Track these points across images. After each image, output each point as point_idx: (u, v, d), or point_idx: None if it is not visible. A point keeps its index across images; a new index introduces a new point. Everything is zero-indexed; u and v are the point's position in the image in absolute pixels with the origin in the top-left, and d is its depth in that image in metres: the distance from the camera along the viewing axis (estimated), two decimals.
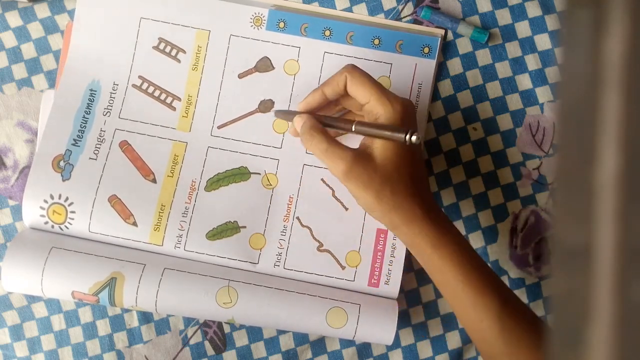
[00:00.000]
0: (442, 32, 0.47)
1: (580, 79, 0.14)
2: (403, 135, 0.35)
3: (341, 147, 0.38)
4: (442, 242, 0.38)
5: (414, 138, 0.35)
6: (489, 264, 0.46)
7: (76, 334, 0.46)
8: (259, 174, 0.46)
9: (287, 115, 0.44)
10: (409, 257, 0.46)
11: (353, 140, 0.43)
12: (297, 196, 0.46)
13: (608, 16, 0.13)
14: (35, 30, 0.47)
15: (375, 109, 0.38)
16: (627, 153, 0.13)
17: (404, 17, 0.47)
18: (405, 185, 0.38)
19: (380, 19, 0.47)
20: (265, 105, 0.46)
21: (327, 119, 0.41)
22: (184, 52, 0.46)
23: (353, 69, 0.39)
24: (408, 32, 0.46)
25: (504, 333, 0.37)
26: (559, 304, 0.15)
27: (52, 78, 0.47)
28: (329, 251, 0.45)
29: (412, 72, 0.46)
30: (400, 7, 0.47)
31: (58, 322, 0.46)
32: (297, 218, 0.45)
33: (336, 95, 0.40)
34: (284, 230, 0.45)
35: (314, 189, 0.46)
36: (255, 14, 0.46)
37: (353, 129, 0.38)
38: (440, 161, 0.47)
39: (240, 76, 0.46)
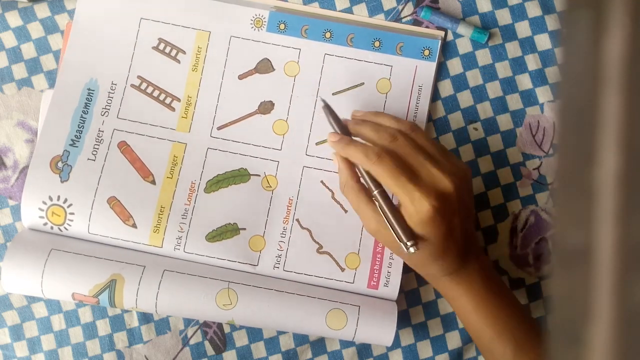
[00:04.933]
0: (442, 33, 0.47)
1: (580, 79, 0.14)
2: (404, 244, 0.37)
3: (371, 206, 0.39)
4: (460, 303, 0.41)
5: (411, 250, 0.37)
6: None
7: (76, 334, 0.46)
8: (259, 175, 0.46)
9: (330, 117, 0.43)
10: None
11: None
12: (296, 198, 0.45)
13: (608, 16, 0.13)
14: (35, 30, 0.47)
15: (401, 201, 0.38)
16: (627, 153, 0.13)
17: (404, 17, 0.47)
18: (431, 248, 0.38)
19: (380, 20, 0.47)
20: (266, 107, 0.46)
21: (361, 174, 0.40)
22: (184, 52, 0.46)
23: (377, 162, 0.37)
24: (408, 35, 0.46)
25: None
26: (559, 304, 0.15)
27: (52, 78, 0.47)
28: (328, 253, 0.45)
29: (413, 74, 0.46)
30: (400, 7, 0.47)
31: (58, 322, 0.46)
32: (297, 220, 0.45)
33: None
34: (284, 232, 0.45)
35: (314, 191, 0.46)
36: (256, 15, 0.46)
37: (373, 196, 0.39)
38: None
39: (241, 77, 0.46)
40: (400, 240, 0.37)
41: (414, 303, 0.46)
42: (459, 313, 0.42)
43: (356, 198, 0.39)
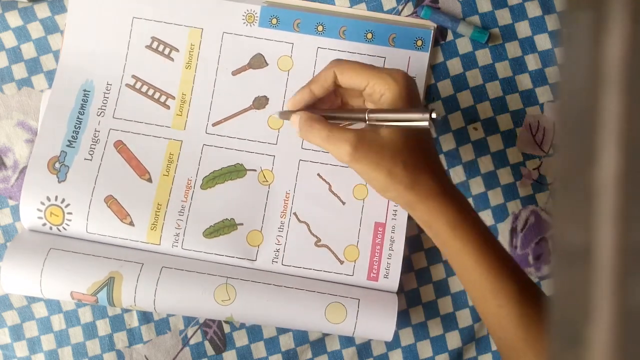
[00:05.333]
0: (435, 24, 0.47)
1: (580, 79, 0.14)
2: (427, 115, 0.32)
3: (342, 129, 0.36)
4: (461, 223, 0.36)
5: (434, 115, 0.33)
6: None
7: (76, 334, 0.46)
8: (255, 170, 0.46)
9: (290, 115, 0.42)
10: (409, 256, 0.46)
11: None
12: (293, 192, 0.46)
13: (608, 16, 0.13)
14: (35, 30, 0.47)
15: (377, 88, 0.36)
16: (627, 153, 0.13)
17: (405, 17, 0.47)
18: (419, 160, 0.36)
19: (372, 13, 0.47)
20: (260, 102, 0.46)
21: (333, 112, 0.39)
22: (177, 50, 0.46)
23: (339, 62, 0.38)
24: (401, 26, 0.46)
25: (523, 319, 0.36)
26: (559, 304, 0.15)
27: (52, 78, 0.47)
28: (327, 246, 0.45)
29: (406, 65, 0.46)
30: (400, 7, 0.47)
31: (58, 322, 0.46)
32: (294, 214, 0.45)
33: (325, 92, 0.39)
34: (282, 227, 0.45)
35: (311, 184, 0.46)
36: (248, 10, 0.46)
37: (367, 119, 0.36)
38: (441, 161, 0.47)
39: (234, 73, 0.47)
40: (415, 119, 0.34)
41: (414, 303, 0.46)
42: (437, 239, 0.38)
43: (323, 128, 0.36)
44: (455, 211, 0.36)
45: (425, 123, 0.33)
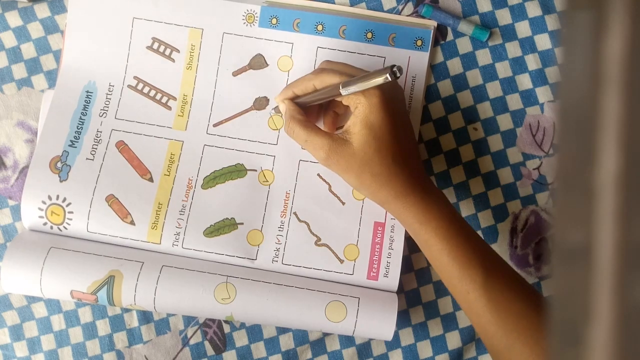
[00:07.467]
0: (435, 23, 0.47)
1: (580, 79, 0.14)
2: (387, 75, 0.34)
3: (320, 135, 0.39)
4: (427, 217, 0.39)
5: (395, 70, 0.34)
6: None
7: (76, 334, 0.46)
8: (255, 170, 0.46)
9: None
10: (409, 256, 0.46)
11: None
12: (293, 192, 0.46)
13: (608, 16, 0.13)
14: (35, 30, 0.47)
15: (351, 101, 0.38)
16: (627, 153, 0.13)
17: (405, 16, 0.47)
18: (387, 167, 0.38)
19: (372, 12, 0.47)
20: (260, 103, 0.46)
21: (313, 95, 0.41)
22: (178, 51, 0.46)
23: (320, 72, 0.40)
24: (401, 25, 0.46)
25: (490, 303, 0.37)
26: (559, 304, 0.15)
27: (52, 78, 0.47)
28: (327, 245, 0.45)
29: (406, 65, 0.46)
30: (400, 7, 0.47)
31: (58, 322, 0.46)
32: (295, 213, 0.45)
33: (306, 93, 0.42)
34: (282, 226, 0.45)
35: (311, 184, 0.46)
36: (248, 10, 0.46)
37: (341, 92, 0.37)
38: (440, 161, 0.47)
39: (235, 74, 0.47)
40: (379, 81, 0.35)
41: (414, 303, 0.46)
42: (409, 231, 0.41)
43: (304, 129, 0.40)
44: (423, 208, 0.39)
45: (383, 78, 0.34)
